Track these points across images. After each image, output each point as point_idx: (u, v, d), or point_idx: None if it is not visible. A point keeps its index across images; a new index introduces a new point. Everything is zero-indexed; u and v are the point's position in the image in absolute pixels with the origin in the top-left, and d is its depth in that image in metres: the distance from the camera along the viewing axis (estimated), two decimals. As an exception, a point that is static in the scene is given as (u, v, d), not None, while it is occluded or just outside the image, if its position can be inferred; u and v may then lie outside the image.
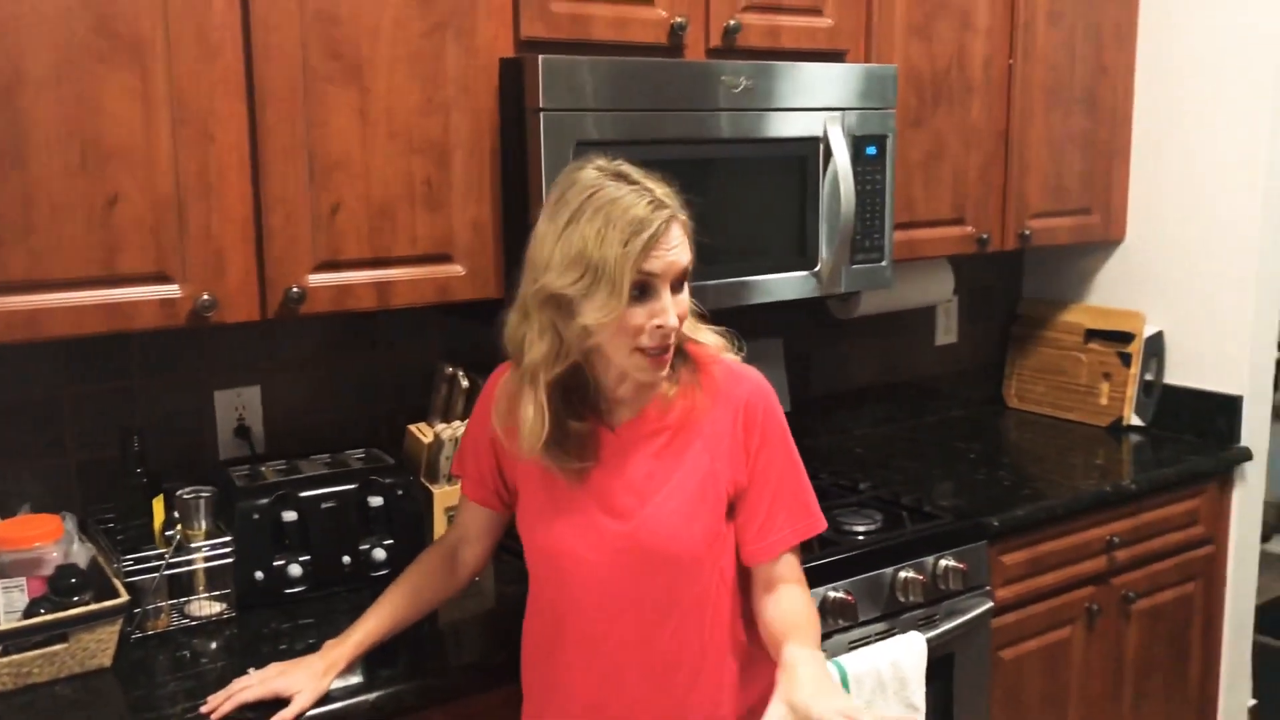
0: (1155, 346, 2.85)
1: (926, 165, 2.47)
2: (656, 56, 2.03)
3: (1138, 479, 2.52)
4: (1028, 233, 2.67)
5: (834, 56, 2.29)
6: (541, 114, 1.83)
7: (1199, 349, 2.80)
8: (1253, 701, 3.02)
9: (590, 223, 1.37)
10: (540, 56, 1.82)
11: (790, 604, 1.51)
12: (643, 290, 1.38)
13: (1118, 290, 2.95)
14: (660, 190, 1.41)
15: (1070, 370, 2.99)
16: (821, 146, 2.17)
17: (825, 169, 2.18)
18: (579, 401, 1.50)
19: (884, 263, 2.32)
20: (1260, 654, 3.19)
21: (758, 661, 1.55)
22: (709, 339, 1.54)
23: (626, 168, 1.43)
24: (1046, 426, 2.98)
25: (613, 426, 1.52)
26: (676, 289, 1.42)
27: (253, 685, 1.54)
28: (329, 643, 1.63)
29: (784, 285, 2.20)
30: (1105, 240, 2.89)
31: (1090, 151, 2.77)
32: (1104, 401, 2.91)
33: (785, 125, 2.12)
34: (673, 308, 1.41)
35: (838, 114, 2.18)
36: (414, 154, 1.84)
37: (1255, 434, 2.75)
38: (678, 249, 1.40)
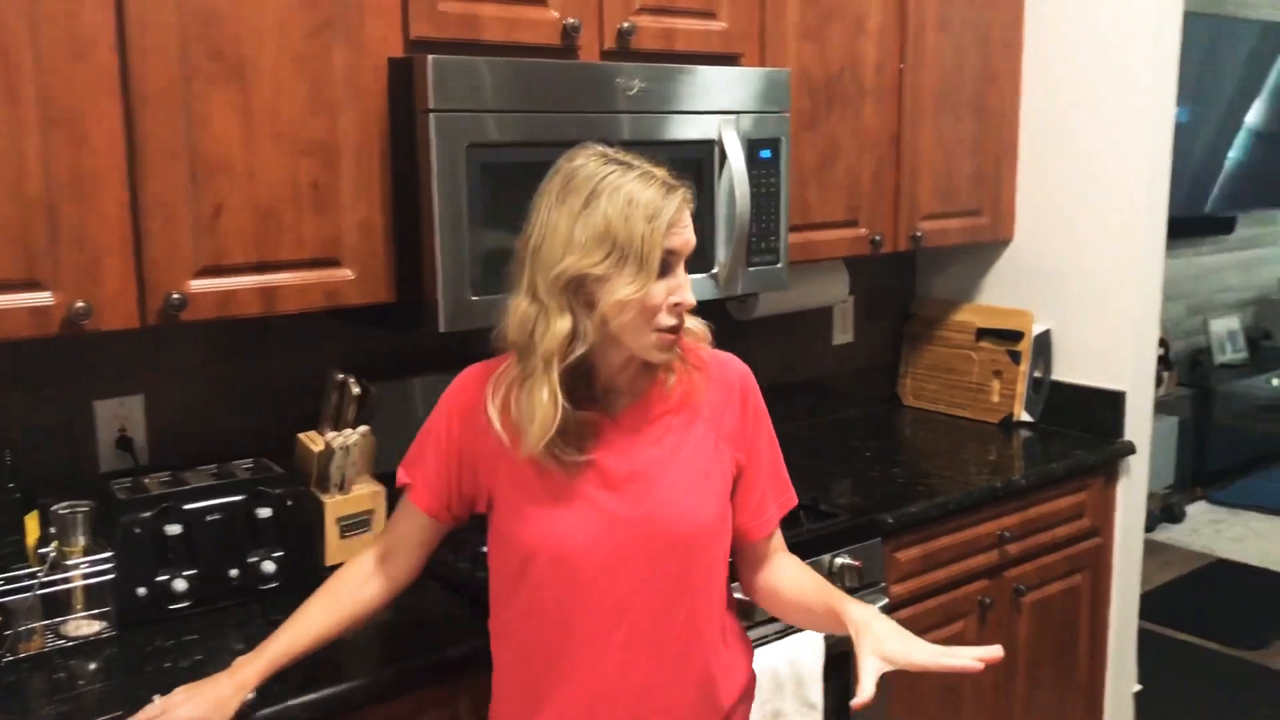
0: (1043, 344, 2.93)
1: (821, 168, 2.50)
2: (550, 58, 2.02)
3: (1027, 474, 2.59)
4: (919, 234, 2.72)
5: (728, 60, 2.30)
6: (432, 115, 1.80)
7: (1084, 346, 2.88)
8: (1138, 687, 3.13)
9: (611, 202, 1.39)
10: (430, 57, 1.79)
11: (797, 569, 1.64)
12: (663, 268, 1.41)
13: (1007, 289, 3.02)
14: (661, 173, 1.44)
15: (962, 368, 3.06)
16: (717, 149, 2.18)
17: (721, 172, 2.19)
18: (582, 392, 1.48)
19: (780, 264, 2.34)
20: (1144, 640, 3.31)
21: (745, 636, 1.65)
22: (695, 326, 1.54)
23: (622, 153, 1.46)
24: (940, 424, 3.04)
25: (613, 415, 1.51)
26: (684, 269, 1.46)
27: (156, 716, 1.46)
28: (240, 659, 1.55)
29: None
30: (994, 240, 2.97)
31: (979, 154, 2.84)
32: (995, 398, 2.98)
33: (680, 128, 2.12)
34: (689, 285, 1.45)
35: (732, 117, 2.19)
36: (301, 155, 1.79)
37: (1138, 428, 2.84)
38: (690, 229, 1.45)
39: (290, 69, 1.76)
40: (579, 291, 1.41)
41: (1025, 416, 2.93)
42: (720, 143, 2.17)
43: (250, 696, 1.52)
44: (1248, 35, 5.52)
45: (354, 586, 1.61)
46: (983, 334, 3.02)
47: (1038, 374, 2.93)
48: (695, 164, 2.17)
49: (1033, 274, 2.96)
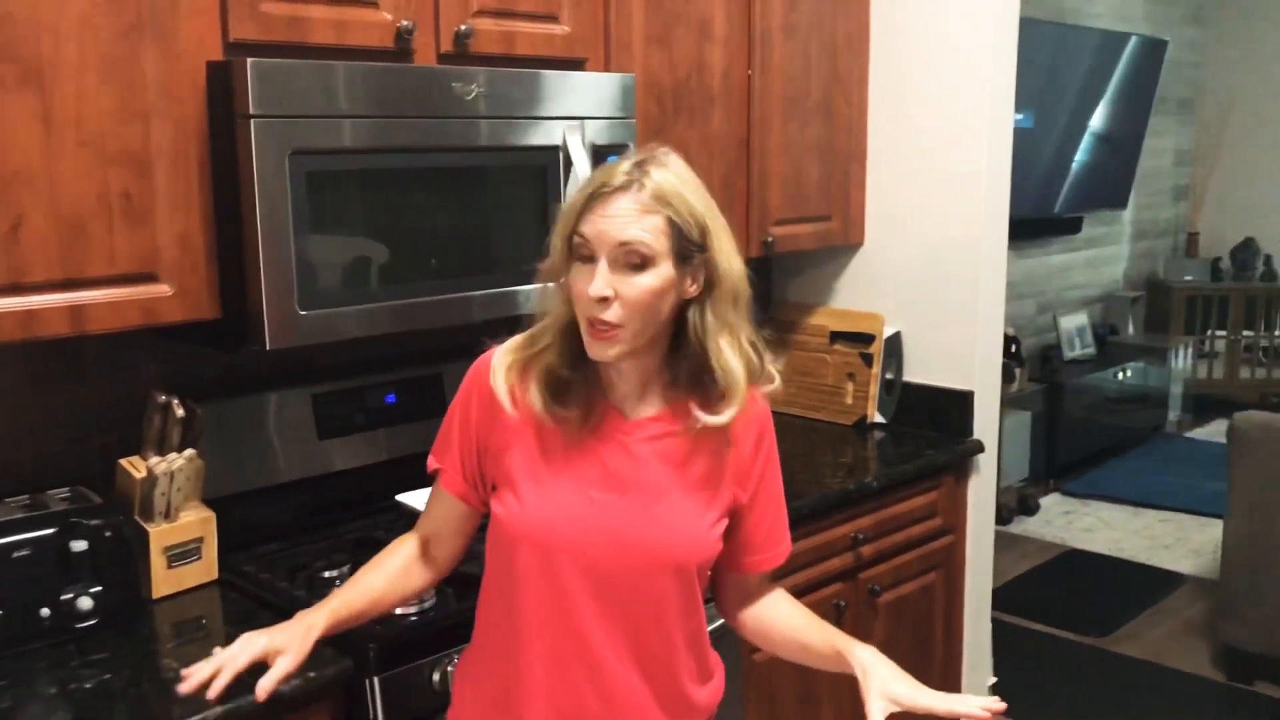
0: (894, 346, 2.97)
1: (670, 174, 2.47)
2: (384, 61, 1.95)
3: (878, 476, 2.61)
4: (771, 240, 2.72)
5: (573, 65, 2.26)
6: (252, 120, 1.71)
7: (934, 348, 2.93)
8: (993, 679, 3.20)
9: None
10: (249, 59, 1.71)
11: (790, 605, 1.65)
12: (586, 255, 1.38)
13: (860, 293, 3.06)
14: (659, 174, 1.39)
15: (818, 371, 3.08)
16: (561, 155, 2.14)
17: (566, 179, 2.15)
18: (584, 367, 1.46)
19: (630, 272, 2.31)
20: (1000, 632, 3.39)
21: (720, 665, 1.64)
22: (723, 363, 1.43)
23: (669, 155, 1.44)
24: (799, 427, 3.06)
25: (625, 414, 1.48)
26: (630, 267, 1.37)
27: (237, 652, 1.42)
28: (302, 611, 1.51)
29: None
30: (846, 245, 3.00)
31: (828, 159, 2.86)
32: (849, 401, 3.01)
33: (522, 134, 2.08)
34: (602, 279, 1.36)
35: (577, 123, 2.15)
36: (110, 165, 1.68)
37: (985, 427, 2.90)
38: (617, 220, 1.36)
39: (96, 73, 1.65)
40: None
41: (878, 418, 2.97)
42: (565, 149, 2.13)
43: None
44: (1089, 42, 5.75)
45: (404, 563, 1.59)
46: (836, 337, 3.05)
47: (889, 376, 2.97)
48: (539, 171, 2.12)
49: (883, 277, 3.00)
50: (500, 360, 1.49)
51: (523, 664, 1.47)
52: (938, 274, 2.89)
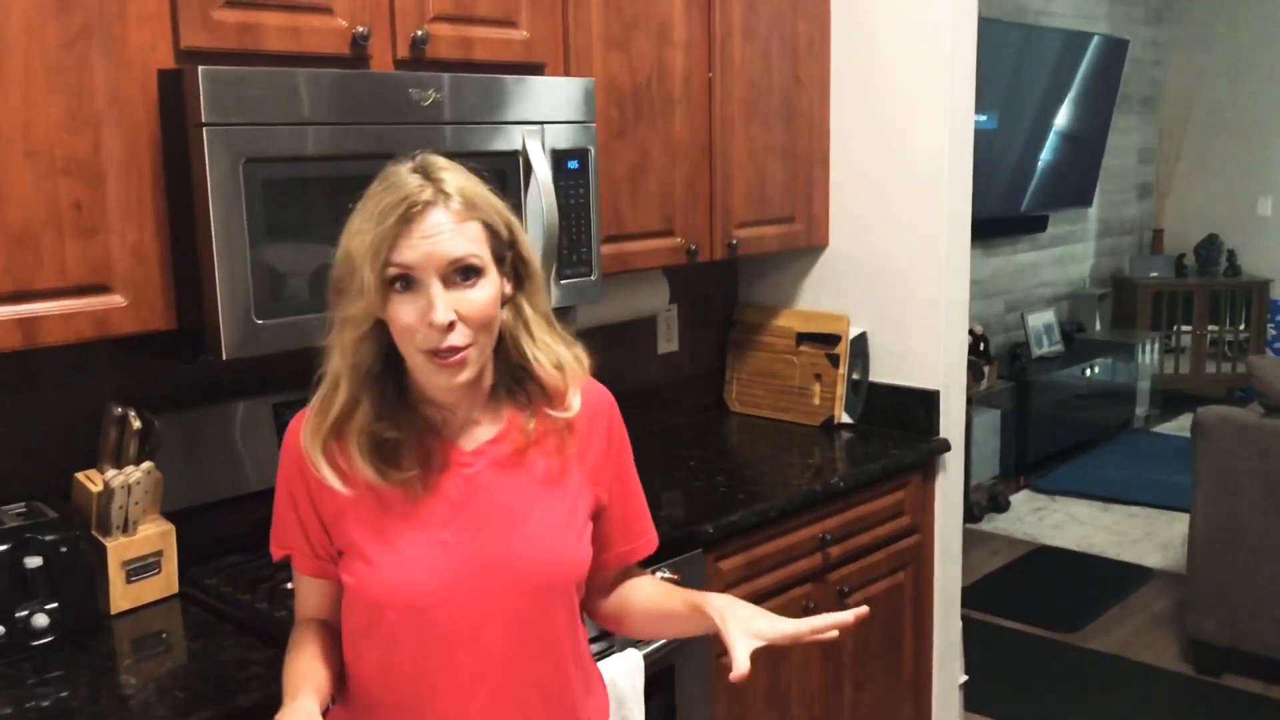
0: (860, 347, 2.97)
1: (632, 178, 2.47)
2: (340, 68, 1.93)
3: (845, 476, 2.62)
4: (735, 242, 2.72)
5: (532, 69, 2.25)
6: (205, 129, 1.69)
7: (899, 347, 2.94)
8: (964, 678, 3.21)
9: (359, 211, 1.31)
10: (200, 68, 1.69)
11: (652, 581, 1.60)
12: (406, 283, 1.29)
13: (824, 294, 3.06)
14: (453, 178, 1.32)
15: (784, 373, 3.08)
16: (521, 161, 2.13)
17: (527, 184, 2.14)
18: (404, 411, 1.38)
19: (593, 276, 2.30)
20: (971, 630, 3.41)
21: (599, 673, 1.60)
22: (567, 360, 1.42)
23: (435, 158, 1.35)
24: (766, 429, 3.06)
25: (463, 446, 1.40)
26: (461, 282, 1.30)
27: None
28: (288, 709, 1.32)
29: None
30: (810, 246, 3.00)
31: (791, 161, 2.87)
32: (816, 401, 3.02)
33: (481, 140, 2.07)
34: (442, 302, 1.28)
35: (536, 128, 2.14)
36: (60, 175, 1.66)
37: (952, 425, 2.91)
38: (442, 238, 1.28)
39: (43, 81, 1.63)
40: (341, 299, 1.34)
41: (845, 418, 2.98)
42: (525, 154, 2.12)
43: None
44: (1052, 43, 5.80)
45: (322, 642, 1.44)
46: (802, 338, 3.05)
47: (856, 376, 2.98)
48: (500, 176, 2.11)
49: (848, 278, 3.01)
50: (310, 441, 1.36)
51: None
52: (902, 274, 2.90)
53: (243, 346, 1.76)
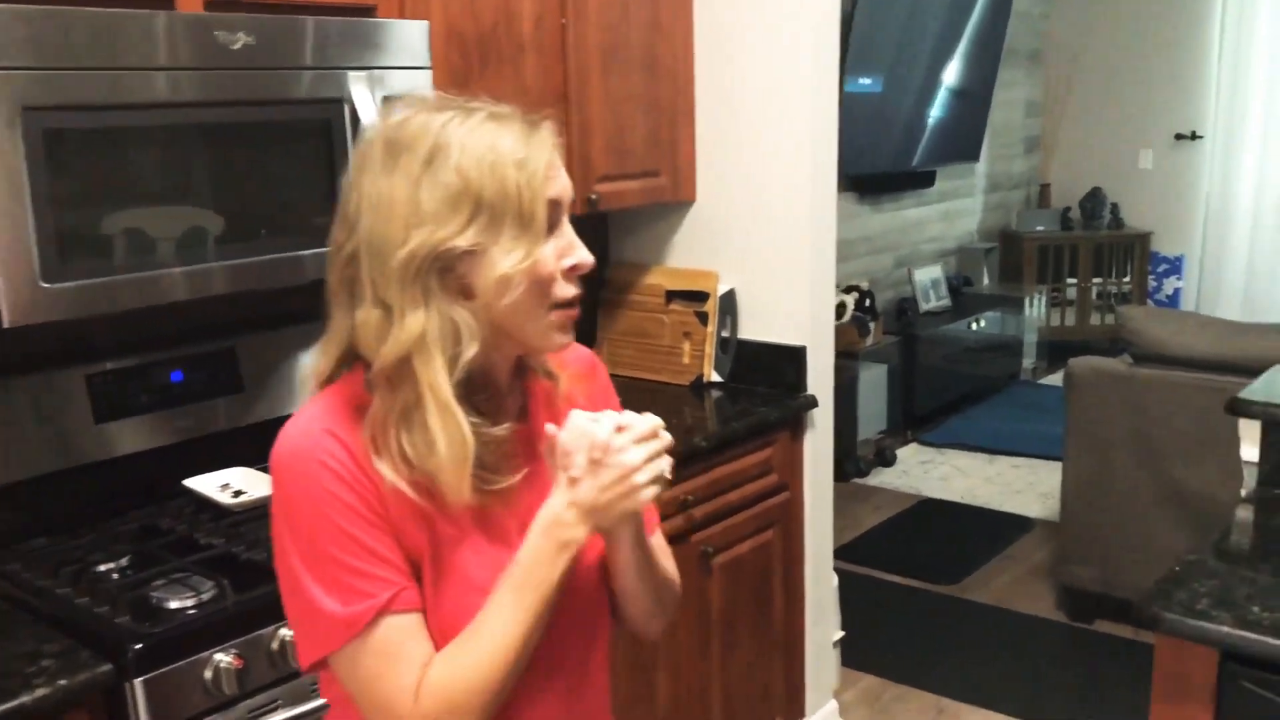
0: (729, 304, 2.91)
1: (479, 129, 2.35)
2: (144, 9, 1.78)
3: (708, 436, 2.56)
4: (595, 197, 2.63)
5: (363, 12, 2.12)
6: (-29, 74, 1.54)
7: (766, 304, 2.88)
8: (840, 634, 3.20)
9: (464, 154, 1.09)
10: (-37, 5, 1.53)
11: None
12: (548, 226, 1.13)
13: (693, 251, 2.99)
14: (509, 109, 1.16)
15: (654, 332, 3.01)
16: (347, 109, 2.00)
17: (356, 134, 2.01)
18: (484, 404, 1.16)
19: (436, 233, 2.18)
20: (854, 585, 3.40)
21: None
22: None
23: (455, 98, 1.17)
24: (638, 389, 2.98)
25: (526, 423, 1.23)
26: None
27: None
28: None
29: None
30: (676, 201, 2.92)
31: (654, 113, 2.77)
32: (686, 360, 2.95)
33: (299, 86, 1.93)
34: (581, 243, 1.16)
35: (363, 73, 2.01)
36: None
37: (820, 382, 2.87)
38: (565, 173, 1.17)
39: None
40: (445, 276, 1.10)
41: (715, 377, 2.91)
42: (350, 101, 2.00)
43: None
44: (941, 1, 5.77)
45: None
46: (672, 296, 2.98)
47: (725, 334, 2.91)
48: (323, 125, 1.98)
49: (716, 234, 2.94)
50: (370, 449, 1.11)
51: None
52: (769, 230, 2.83)
53: (27, 313, 1.62)
